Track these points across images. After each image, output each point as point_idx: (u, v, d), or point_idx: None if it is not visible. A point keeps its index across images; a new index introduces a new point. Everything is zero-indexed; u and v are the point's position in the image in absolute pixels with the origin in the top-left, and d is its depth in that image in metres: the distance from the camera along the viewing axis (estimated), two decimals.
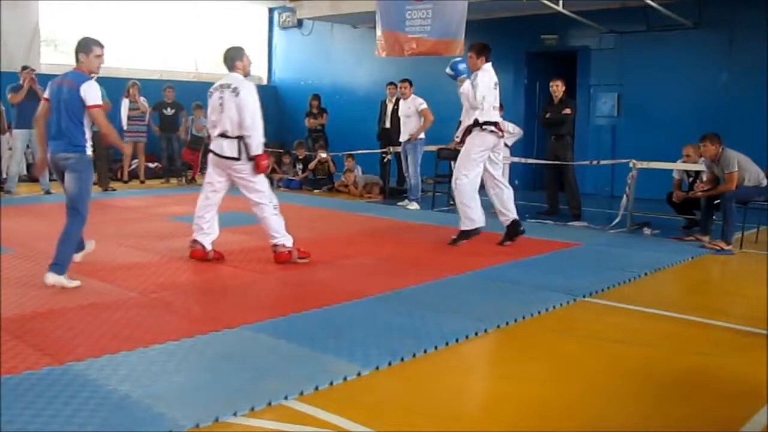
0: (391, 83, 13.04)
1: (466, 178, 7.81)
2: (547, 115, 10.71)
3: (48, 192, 11.67)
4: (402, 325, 4.95)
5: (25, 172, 12.95)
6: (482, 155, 7.84)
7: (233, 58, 6.84)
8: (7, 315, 4.93)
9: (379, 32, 13.19)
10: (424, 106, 11.33)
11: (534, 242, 8.26)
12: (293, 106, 17.41)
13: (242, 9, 17.92)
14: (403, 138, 11.52)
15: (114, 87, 12.92)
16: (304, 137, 14.62)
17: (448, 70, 8.01)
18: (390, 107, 13.08)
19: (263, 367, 4.08)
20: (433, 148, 11.37)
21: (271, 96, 17.66)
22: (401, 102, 11.79)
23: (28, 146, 12.04)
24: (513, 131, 11.07)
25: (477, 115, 7.77)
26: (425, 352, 4.44)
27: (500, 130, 7.91)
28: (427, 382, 4.02)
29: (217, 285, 6.09)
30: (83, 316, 4.99)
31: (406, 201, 11.46)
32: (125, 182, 13.70)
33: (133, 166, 14.14)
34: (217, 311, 5.28)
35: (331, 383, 3.86)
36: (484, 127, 7.77)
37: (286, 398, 3.64)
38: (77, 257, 6.45)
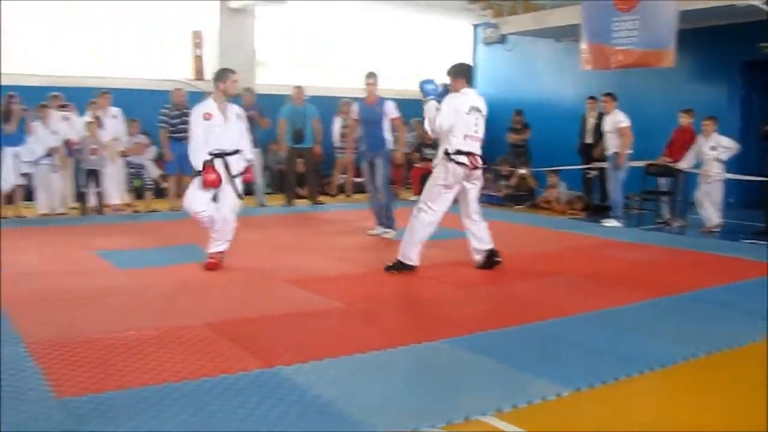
0: (591, 97, 12.73)
1: (428, 213, 7.07)
2: (767, 128, 10.05)
3: (262, 204, 12.37)
4: (604, 347, 4.81)
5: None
6: (448, 189, 7.07)
7: (215, 80, 7.19)
8: (224, 319, 5.29)
9: (584, 45, 12.93)
10: (624, 124, 10.87)
11: (747, 264, 7.76)
12: (496, 121, 17.27)
13: (447, 26, 18.16)
14: (607, 152, 11.19)
15: (328, 105, 13.53)
16: (507, 153, 14.57)
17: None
18: (591, 122, 12.77)
19: (461, 381, 4.11)
20: (641, 163, 10.96)
21: None
22: (606, 117, 11.47)
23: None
24: (728, 145, 10.48)
25: (446, 144, 7.01)
26: (628, 376, 4.29)
27: (474, 161, 7.05)
28: (629, 408, 3.88)
29: (417, 298, 6.21)
30: (291, 323, 5.26)
31: (610, 218, 11.12)
32: (333, 196, 14.23)
33: (341, 181, 14.69)
34: (417, 324, 5.38)
35: (530, 402, 3.82)
36: (452, 157, 6.97)
37: (483, 414, 3.64)
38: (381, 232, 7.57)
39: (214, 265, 7.13)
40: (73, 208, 11.31)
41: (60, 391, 3.81)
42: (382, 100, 9.24)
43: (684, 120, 11.07)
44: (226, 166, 7.04)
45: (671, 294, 6.39)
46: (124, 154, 11.42)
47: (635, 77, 13.04)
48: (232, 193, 7.08)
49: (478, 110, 7.16)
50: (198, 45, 14.65)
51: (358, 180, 14.86)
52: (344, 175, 14.61)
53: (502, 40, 17.56)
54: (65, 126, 11.15)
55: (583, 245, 9.12)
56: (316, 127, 12.83)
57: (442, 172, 7.04)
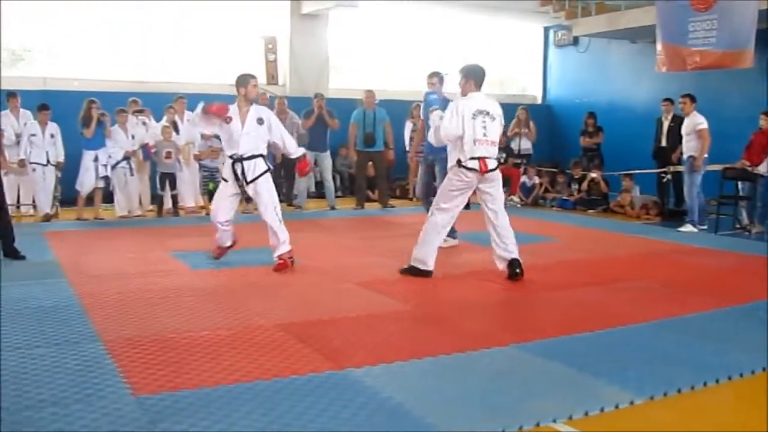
0: (667, 99, 12.44)
1: (442, 213, 7.01)
2: None
3: (333, 207, 12.46)
4: (680, 354, 4.70)
5: (313, 188, 13.89)
6: (460, 191, 6.93)
7: (237, 85, 7.27)
8: (295, 320, 5.35)
9: (659, 46, 12.66)
10: (703, 126, 10.59)
11: None
12: (568, 124, 17.17)
13: (518, 28, 18.02)
14: (685, 155, 10.93)
15: (399, 109, 13.57)
16: (579, 156, 14.38)
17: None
18: (666, 125, 12.49)
19: (532, 387, 4.07)
20: (718, 167, 10.68)
21: (545, 115, 17.59)
22: (684, 119, 11.20)
23: (316, 164, 12.84)
24: None
25: (457, 151, 6.85)
26: (705, 384, 4.18)
27: (484, 164, 6.79)
28: (705, 417, 3.79)
29: (487, 302, 6.17)
30: (362, 325, 5.29)
31: (686, 224, 10.86)
32: (409, 199, 14.18)
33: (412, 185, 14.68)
34: (487, 328, 5.35)
35: (602, 410, 3.75)
36: (463, 164, 6.80)
37: (554, 421, 3.59)
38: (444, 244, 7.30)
39: (282, 266, 7.23)
40: (149, 211, 11.58)
41: (136, 389, 3.90)
42: (443, 101, 9.06)
43: (764, 122, 10.75)
44: (242, 171, 7.18)
45: (749, 302, 6.21)
46: (198, 158, 11.64)
47: (712, 78, 12.71)
48: (266, 195, 7.25)
49: (486, 113, 6.86)
50: (270, 50, 14.86)
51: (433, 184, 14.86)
52: (415, 179, 14.60)
53: (574, 42, 17.33)
54: (142, 130, 11.43)
55: (657, 251, 8.93)
56: (387, 131, 12.88)
57: (454, 177, 6.91)
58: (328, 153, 12.64)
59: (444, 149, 7.55)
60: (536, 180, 14.17)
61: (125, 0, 13.40)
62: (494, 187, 6.99)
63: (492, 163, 6.86)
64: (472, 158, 6.76)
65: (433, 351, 4.64)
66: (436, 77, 8.78)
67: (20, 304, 5.70)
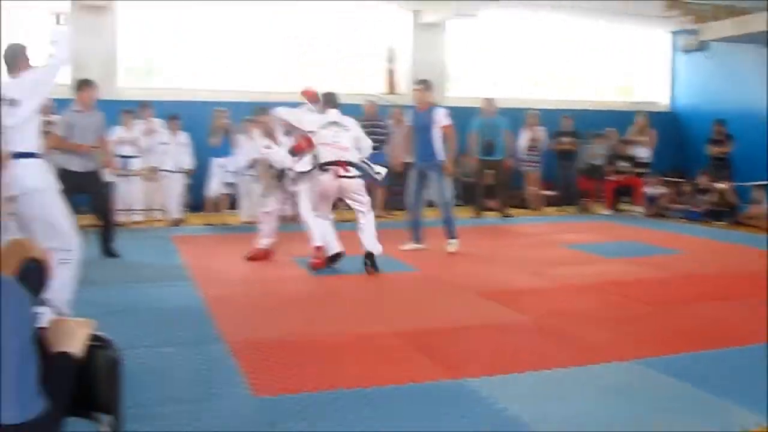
0: None
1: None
2: None
3: None
4: None
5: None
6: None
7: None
8: (414, 328, 5.38)
9: None
10: None
11: None
12: (695, 133, 16.56)
13: (644, 34, 17.55)
14: None
15: (515, 118, 13.43)
16: (707, 166, 13.84)
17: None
18: None
19: (654, 405, 3.94)
20: None
21: (671, 123, 17.02)
22: None
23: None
24: None
25: None
26: None
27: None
28: None
29: (609, 316, 6.01)
30: (480, 335, 5.26)
31: None
32: (531, 209, 14.03)
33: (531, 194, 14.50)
34: (608, 342, 5.20)
35: None
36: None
37: None
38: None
39: (317, 264, 7.53)
40: None
41: (257, 390, 4.02)
42: (432, 107, 8.87)
43: None
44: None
45: None
46: None
47: None
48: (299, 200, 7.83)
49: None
50: (391, 59, 14.99)
51: (548, 193, 14.68)
52: (533, 188, 14.42)
53: (702, 47, 16.73)
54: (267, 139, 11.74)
55: None
56: (507, 140, 12.77)
57: None
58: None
59: (434, 155, 8.49)
60: (660, 190, 13.73)
61: (251, 14, 13.84)
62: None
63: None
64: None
65: (551, 363, 4.57)
66: (422, 84, 9.08)
67: (150, 305, 5.98)
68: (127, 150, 10.98)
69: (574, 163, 14.24)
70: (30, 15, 11.07)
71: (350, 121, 7.84)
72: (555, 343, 5.12)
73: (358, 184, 7.68)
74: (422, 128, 8.83)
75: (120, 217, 11.08)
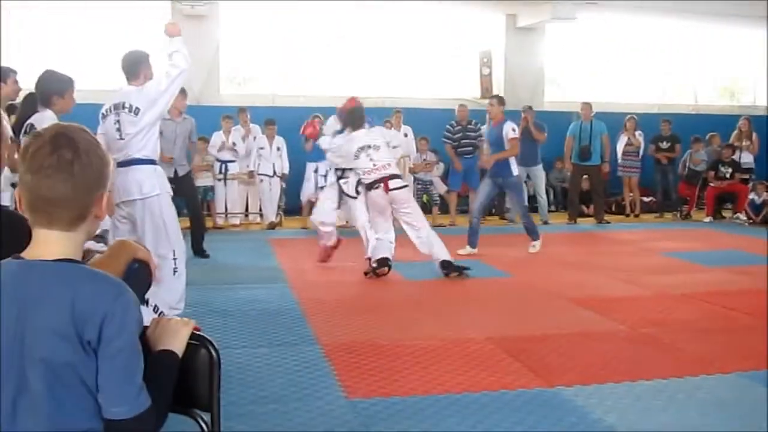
0: None
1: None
2: None
3: (545, 222, 12.25)
4: None
5: (526, 203, 13.71)
6: None
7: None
8: (506, 334, 5.33)
9: None
10: None
11: None
12: None
13: (746, 36, 16.90)
14: None
15: (613, 122, 13.15)
16: None
17: None
18: None
19: (758, 420, 3.79)
20: None
21: None
22: None
23: (528, 178, 12.68)
24: None
25: None
26: None
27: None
28: None
29: (707, 326, 5.80)
30: (574, 343, 5.17)
31: None
32: (629, 215, 13.71)
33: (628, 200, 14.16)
34: (708, 353, 5.03)
35: None
36: None
37: None
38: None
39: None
40: None
41: (350, 392, 4.06)
42: (504, 122, 8.94)
43: None
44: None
45: None
46: (413, 171, 11.90)
47: None
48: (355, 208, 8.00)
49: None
50: (486, 64, 14.91)
51: (646, 199, 14.32)
52: (631, 194, 14.08)
53: None
54: None
55: None
56: (604, 145, 12.52)
57: None
58: (540, 166, 12.45)
59: (507, 168, 8.67)
60: (764, 196, 13.20)
61: (341, 20, 14.03)
62: None
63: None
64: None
65: (648, 374, 4.45)
66: (494, 99, 9.33)
67: (247, 306, 6.11)
68: (225, 155, 11.28)
69: (674, 169, 13.85)
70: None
71: (376, 133, 7.74)
72: (652, 353, 4.99)
73: (407, 194, 7.78)
74: (495, 142, 9.12)
75: (218, 220, 11.42)
